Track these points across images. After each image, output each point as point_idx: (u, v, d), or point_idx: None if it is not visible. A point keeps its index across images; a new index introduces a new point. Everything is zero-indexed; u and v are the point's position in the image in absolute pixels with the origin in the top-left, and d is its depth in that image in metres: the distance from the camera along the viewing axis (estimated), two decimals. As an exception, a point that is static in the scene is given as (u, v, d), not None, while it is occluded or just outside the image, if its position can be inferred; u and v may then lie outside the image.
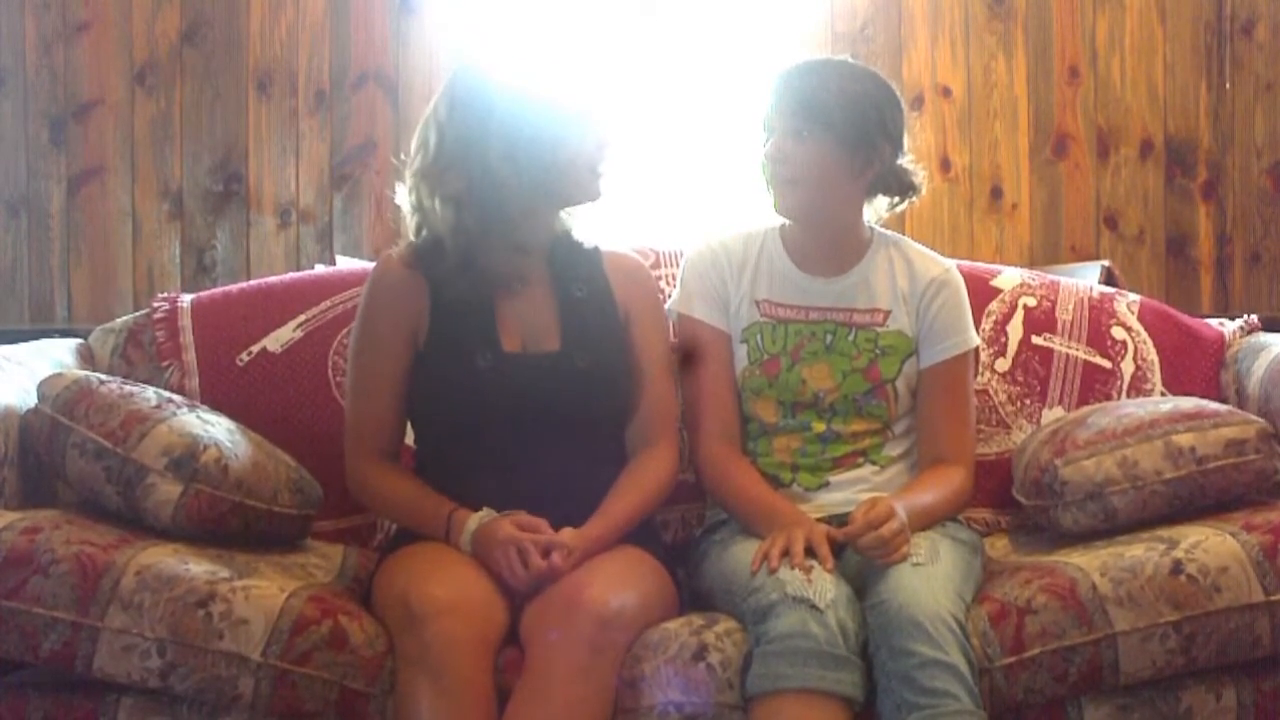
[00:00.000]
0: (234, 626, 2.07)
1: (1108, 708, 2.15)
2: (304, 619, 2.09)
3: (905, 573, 2.12)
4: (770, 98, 2.38)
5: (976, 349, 2.54)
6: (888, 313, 2.43)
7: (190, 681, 2.06)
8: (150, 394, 2.37)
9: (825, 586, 2.08)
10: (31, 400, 2.36)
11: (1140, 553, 2.19)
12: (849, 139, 2.34)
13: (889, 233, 2.51)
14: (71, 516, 2.24)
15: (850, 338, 2.42)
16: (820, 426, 2.42)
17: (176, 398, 2.43)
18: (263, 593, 2.11)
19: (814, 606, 2.05)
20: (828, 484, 2.41)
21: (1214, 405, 2.45)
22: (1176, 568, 2.15)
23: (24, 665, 2.17)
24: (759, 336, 2.43)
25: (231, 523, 2.27)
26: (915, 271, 2.45)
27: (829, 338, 2.42)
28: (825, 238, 2.44)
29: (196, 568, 2.12)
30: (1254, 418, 2.39)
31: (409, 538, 2.30)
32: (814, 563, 2.13)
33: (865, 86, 2.36)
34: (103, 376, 2.41)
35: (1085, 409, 2.59)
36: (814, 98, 2.33)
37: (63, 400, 2.29)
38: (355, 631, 2.12)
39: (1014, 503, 2.55)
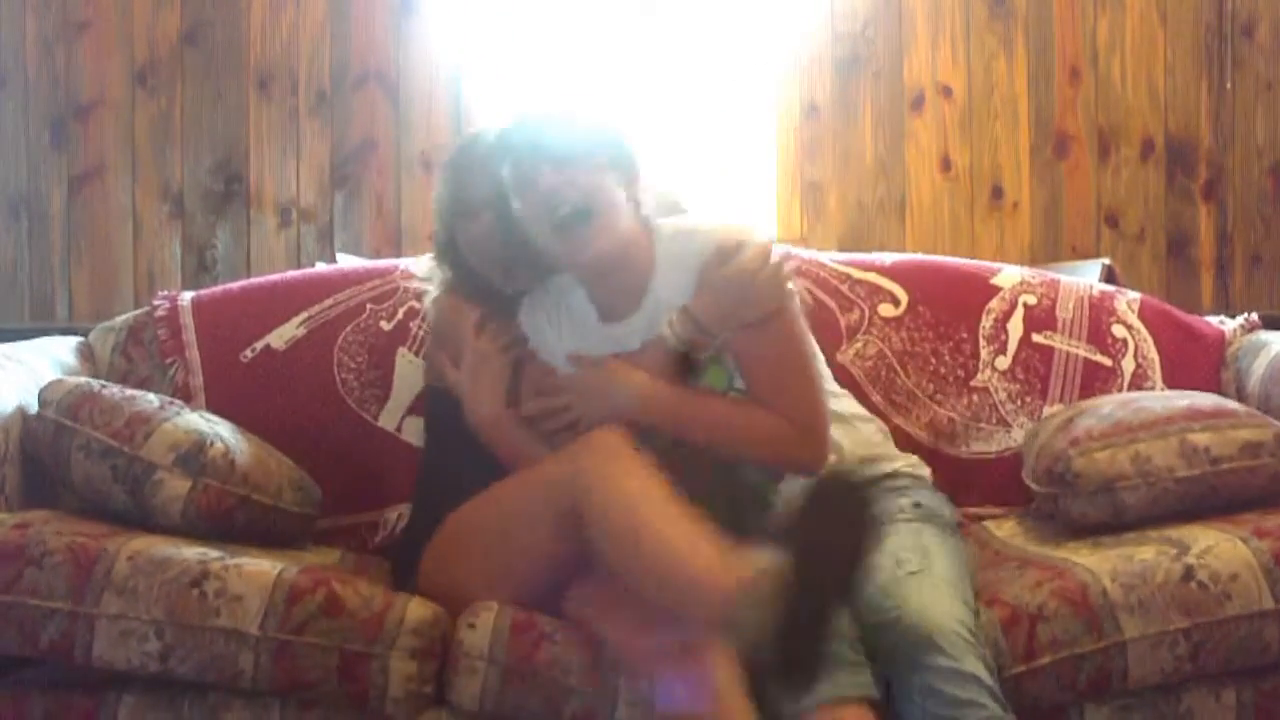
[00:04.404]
0: (230, 603, 2.07)
1: (1108, 709, 2.15)
2: (298, 589, 2.10)
3: (905, 585, 2.10)
4: None
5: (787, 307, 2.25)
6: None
7: (190, 662, 2.07)
8: (152, 397, 2.39)
9: None
10: (32, 399, 2.36)
11: (1151, 556, 2.18)
12: None
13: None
14: (63, 514, 2.26)
15: None
16: None
17: (177, 400, 2.46)
18: (255, 568, 2.12)
19: None
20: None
21: (1232, 405, 2.45)
22: (1188, 574, 2.14)
23: (25, 663, 2.18)
24: None
25: (238, 518, 2.28)
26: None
27: None
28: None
29: (188, 550, 2.13)
30: (1272, 420, 2.38)
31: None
32: None
33: None
34: (103, 382, 2.43)
35: (1101, 398, 2.58)
36: None
37: (66, 404, 2.31)
38: (350, 596, 2.11)
39: (1016, 499, 2.56)
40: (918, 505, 2.30)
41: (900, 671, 2.04)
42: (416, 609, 2.12)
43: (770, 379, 2.22)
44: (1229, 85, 3.88)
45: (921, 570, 2.13)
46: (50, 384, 2.37)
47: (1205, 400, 2.45)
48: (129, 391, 2.39)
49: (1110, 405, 2.46)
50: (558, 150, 2.18)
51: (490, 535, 2.18)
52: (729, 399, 2.27)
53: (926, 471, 2.42)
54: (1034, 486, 2.45)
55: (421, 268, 2.63)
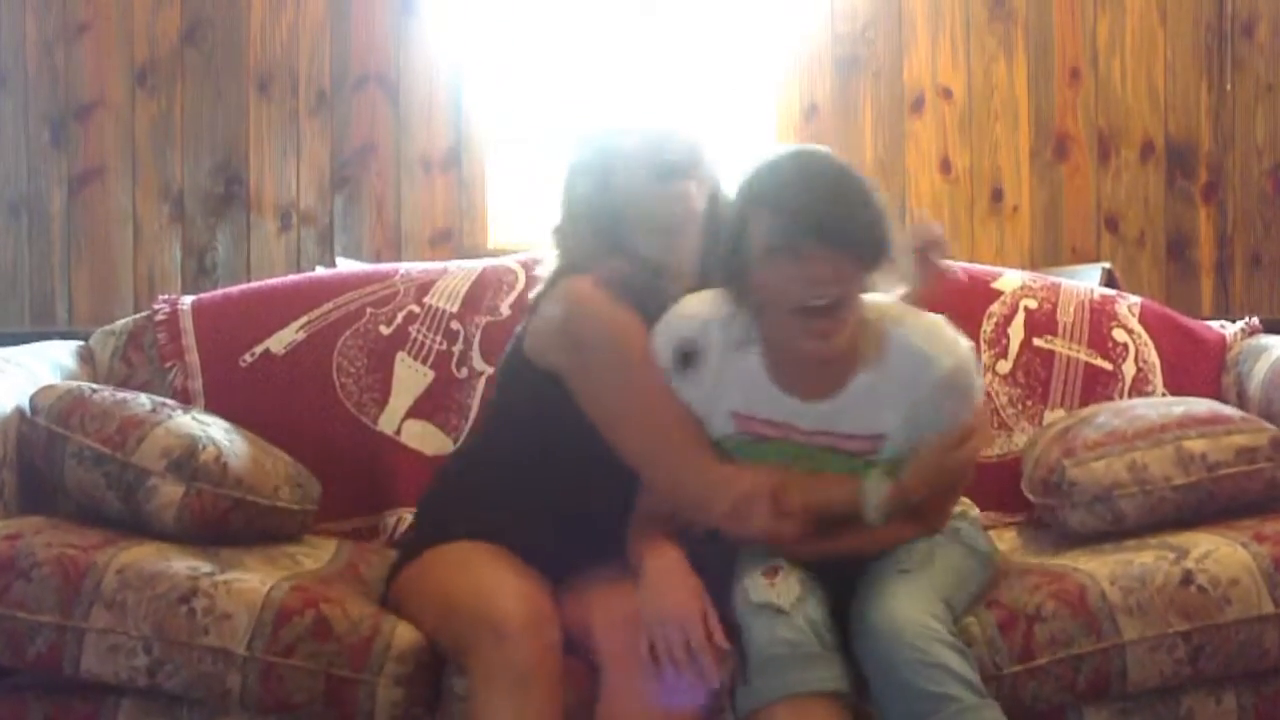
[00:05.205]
0: (218, 621, 2.07)
1: (1108, 711, 2.15)
2: (286, 610, 2.09)
3: (888, 583, 2.09)
4: None
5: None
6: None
7: (178, 679, 2.06)
8: (144, 399, 2.38)
9: (790, 588, 2.07)
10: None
11: (1150, 561, 2.18)
12: None
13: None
14: (56, 522, 2.24)
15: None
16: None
17: (170, 402, 2.44)
18: (245, 586, 2.11)
19: (780, 610, 2.04)
20: None
21: (1227, 410, 2.44)
22: (1187, 578, 2.14)
23: (18, 669, 2.18)
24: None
25: (234, 520, 2.28)
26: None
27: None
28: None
29: (178, 564, 2.13)
30: (1267, 425, 2.38)
31: (438, 537, 2.24)
32: (781, 564, 2.12)
33: None
34: (94, 385, 2.42)
35: (1096, 406, 2.58)
36: None
37: (56, 411, 2.30)
38: (338, 619, 2.11)
39: (1018, 505, 2.56)
40: (956, 530, 2.25)
41: (873, 669, 2.03)
42: (404, 634, 2.11)
43: (931, 498, 2.17)
44: (1229, 86, 3.88)
45: (911, 571, 2.12)
46: (40, 390, 2.36)
47: (1200, 406, 2.45)
48: (120, 395, 2.37)
49: (1105, 414, 2.46)
50: (840, 239, 1.99)
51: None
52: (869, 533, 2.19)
53: (976, 512, 2.38)
54: (1032, 497, 2.46)
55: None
